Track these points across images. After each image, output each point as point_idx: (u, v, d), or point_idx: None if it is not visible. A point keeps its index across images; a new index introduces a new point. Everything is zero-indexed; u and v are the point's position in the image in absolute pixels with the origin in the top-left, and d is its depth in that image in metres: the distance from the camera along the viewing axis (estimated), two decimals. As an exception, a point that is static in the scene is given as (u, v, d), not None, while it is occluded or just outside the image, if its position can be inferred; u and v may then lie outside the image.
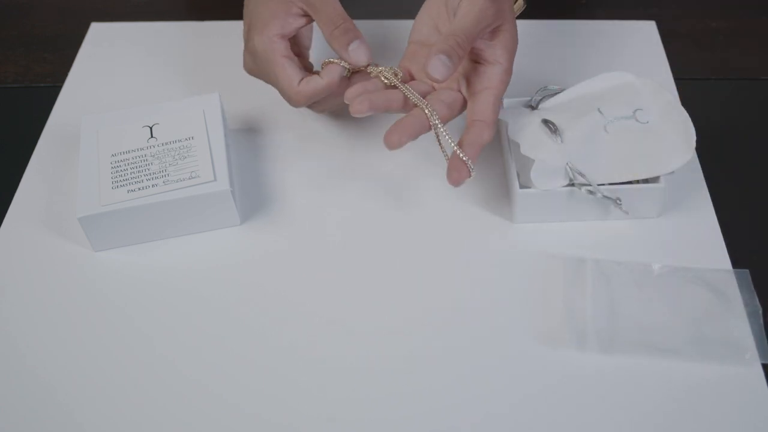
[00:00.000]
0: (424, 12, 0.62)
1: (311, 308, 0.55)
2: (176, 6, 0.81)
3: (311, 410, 0.50)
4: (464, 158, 0.54)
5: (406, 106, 0.57)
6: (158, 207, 0.57)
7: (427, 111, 0.56)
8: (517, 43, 0.57)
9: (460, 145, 0.55)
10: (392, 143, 0.54)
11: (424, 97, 0.57)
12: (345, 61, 0.58)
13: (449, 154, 0.55)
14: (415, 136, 0.55)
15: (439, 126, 0.56)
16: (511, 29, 0.57)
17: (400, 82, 0.58)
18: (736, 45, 0.75)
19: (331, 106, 0.62)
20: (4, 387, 0.52)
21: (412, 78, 0.60)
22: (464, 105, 0.58)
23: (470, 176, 0.55)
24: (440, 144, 0.57)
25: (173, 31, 0.77)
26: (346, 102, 0.55)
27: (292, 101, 0.59)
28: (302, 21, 0.59)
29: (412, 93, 0.57)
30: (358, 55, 0.57)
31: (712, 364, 0.52)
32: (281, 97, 0.61)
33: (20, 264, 0.59)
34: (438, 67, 0.54)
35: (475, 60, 0.57)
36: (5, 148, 0.68)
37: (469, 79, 0.58)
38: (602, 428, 0.49)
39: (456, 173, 0.55)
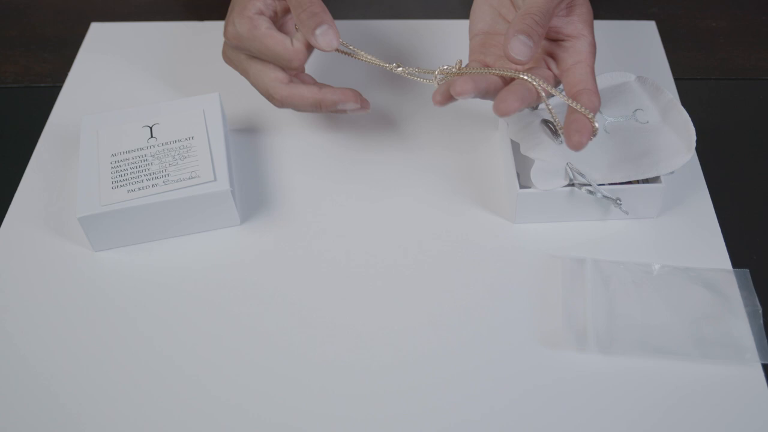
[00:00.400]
0: (482, 2, 0.60)
1: (311, 308, 0.55)
2: (176, 6, 0.81)
3: (312, 410, 0.50)
4: (587, 112, 0.51)
5: (501, 87, 0.54)
6: (158, 207, 0.57)
7: (530, 80, 0.52)
8: (592, 15, 0.56)
9: (572, 114, 0.52)
10: (504, 109, 0.51)
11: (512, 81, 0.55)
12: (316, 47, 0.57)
13: (561, 122, 0.53)
14: (525, 104, 0.52)
15: (551, 91, 0.53)
16: (585, 3, 0.56)
17: (486, 69, 0.54)
18: (736, 45, 0.75)
19: (308, 112, 0.61)
20: (4, 387, 0.52)
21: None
22: (556, 83, 0.57)
23: (594, 134, 0.52)
24: (550, 110, 0.54)
25: (173, 31, 0.77)
26: (433, 100, 0.53)
27: (293, 63, 0.57)
28: (279, 3, 0.59)
29: (508, 70, 0.54)
30: (325, 39, 0.56)
31: (712, 364, 0.52)
32: (270, 96, 0.60)
33: (20, 264, 0.59)
34: (519, 47, 0.51)
35: (556, 38, 0.56)
36: (5, 148, 0.68)
37: (556, 56, 0.56)
38: (602, 428, 0.49)
39: (577, 135, 0.51)
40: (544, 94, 0.53)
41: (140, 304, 0.56)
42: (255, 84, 0.61)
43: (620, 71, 0.62)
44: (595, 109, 0.53)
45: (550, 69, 0.57)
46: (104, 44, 0.75)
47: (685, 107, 0.59)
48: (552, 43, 0.57)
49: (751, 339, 0.52)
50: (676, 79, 0.70)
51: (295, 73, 0.61)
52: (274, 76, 0.59)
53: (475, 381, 0.51)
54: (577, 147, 0.51)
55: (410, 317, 0.55)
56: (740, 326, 0.53)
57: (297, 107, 0.60)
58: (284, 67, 0.59)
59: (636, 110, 0.59)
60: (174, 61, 0.73)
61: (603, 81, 0.61)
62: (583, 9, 0.56)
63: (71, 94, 0.71)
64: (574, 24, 0.56)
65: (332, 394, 0.51)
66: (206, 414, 0.50)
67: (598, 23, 0.75)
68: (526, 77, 0.53)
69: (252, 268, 0.58)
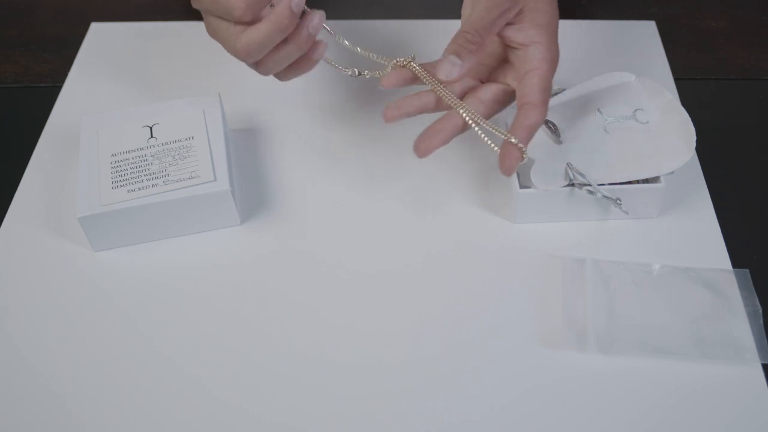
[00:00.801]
0: (467, 5, 0.58)
1: (311, 308, 0.55)
2: (176, 6, 0.81)
3: (312, 410, 0.50)
4: (514, 141, 0.53)
5: (440, 106, 0.56)
6: (158, 207, 0.57)
7: (462, 112, 0.54)
8: (555, 17, 0.55)
9: (511, 129, 0.54)
10: (420, 151, 0.54)
11: (465, 95, 0.56)
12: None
13: (497, 148, 0.54)
14: (446, 141, 0.54)
15: (479, 124, 0.54)
16: (540, 7, 0.55)
17: (435, 82, 0.55)
18: (736, 45, 0.75)
19: (277, 61, 0.55)
20: (4, 387, 0.52)
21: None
22: (511, 97, 0.57)
23: (523, 160, 0.53)
24: (488, 141, 0.55)
25: (173, 31, 0.77)
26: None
27: (235, 12, 0.52)
28: None
29: (447, 94, 0.55)
30: None
31: (712, 364, 0.52)
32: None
33: (20, 264, 0.59)
34: (448, 68, 0.53)
35: (512, 46, 0.56)
36: (5, 148, 0.68)
37: (513, 65, 0.56)
38: (602, 428, 0.49)
39: (507, 160, 0.53)
40: (479, 123, 0.54)
41: (140, 304, 0.56)
42: (224, 47, 0.55)
43: (620, 71, 0.62)
44: (531, 124, 0.53)
45: (506, 81, 0.57)
46: (104, 44, 0.75)
47: (685, 107, 0.59)
48: (509, 50, 0.56)
49: (751, 339, 0.52)
50: (676, 79, 0.70)
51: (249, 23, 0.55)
52: (232, 32, 0.54)
53: (475, 381, 0.51)
54: (506, 173, 0.53)
55: (410, 317, 0.55)
56: (740, 326, 0.53)
57: (264, 47, 0.53)
58: (234, 20, 0.53)
59: (636, 110, 0.59)
60: (174, 61, 0.73)
61: (603, 81, 0.61)
62: (537, 14, 0.55)
63: (71, 94, 0.71)
64: (525, 31, 0.55)
65: (332, 394, 0.51)
66: (206, 414, 0.50)
67: (598, 23, 0.76)
68: (460, 110, 0.54)
69: (252, 268, 0.58)
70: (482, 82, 0.58)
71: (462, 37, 0.53)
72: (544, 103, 0.54)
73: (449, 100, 0.55)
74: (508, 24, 0.55)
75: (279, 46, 0.54)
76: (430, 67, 0.55)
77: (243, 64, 0.74)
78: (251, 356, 0.53)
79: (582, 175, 0.56)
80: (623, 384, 0.51)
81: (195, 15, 0.78)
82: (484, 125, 0.54)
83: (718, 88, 0.71)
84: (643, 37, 0.74)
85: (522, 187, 0.58)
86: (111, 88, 0.71)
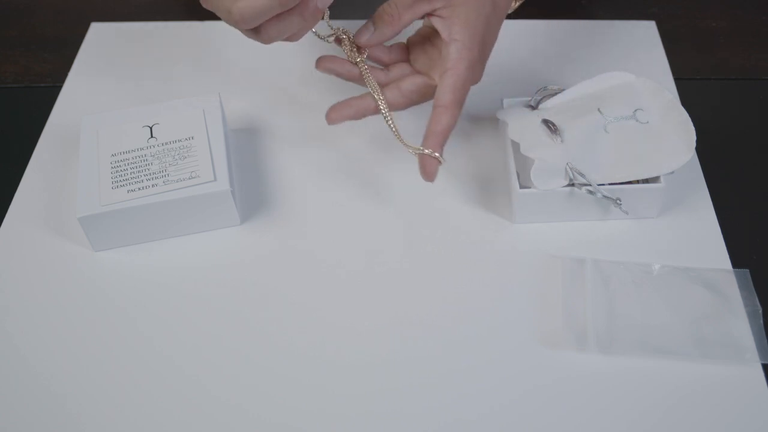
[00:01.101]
0: None
1: (311, 308, 0.55)
2: (176, 6, 0.81)
3: (312, 409, 0.51)
4: (428, 152, 0.55)
5: (362, 80, 0.59)
6: (158, 207, 0.57)
7: (376, 96, 0.58)
8: (488, 17, 0.56)
9: (425, 135, 0.56)
10: (330, 118, 0.58)
11: (393, 81, 0.59)
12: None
13: (403, 140, 0.57)
14: (356, 117, 0.58)
15: (386, 115, 0.57)
16: (471, 3, 0.55)
17: (364, 62, 0.59)
18: (736, 45, 0.75)
19: (279, 30, 0.52)
20: (4, 386, 0.52)
21: (407, 56, 0.61)
22: (434, 90, 0.57)
23: (440, 163, 0.55)
24: (395, 134, 0.58)
25: (173, 31, 0.77)
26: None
27: None
28: None
29: (369, 78, 0.59)
30: None
31: (712, 364, 0.52)
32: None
33: (20, 264, 0.59)
34: (362, 33, 0.57)
35: (441, 39, 0.56)
36: (5, 148, 0.68)
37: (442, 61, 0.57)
38: (602, 428, 0.49)
39: (427, 168, 0.55)
40: (386, 115, 0.58)
41: (140, 304, 0.56)
42: (218, 12, 0.52)
43: (620, 71, 0.62)
44: (442, 129, 0.55)
45: (434, 75, 0.58)
46: (104, 44, 0.75)
47: (685, 107, 0.59)
48: (443, 44, 0.57)
49: (751, 339, 0.52)
50: (676, 79, 0.70)
51: None
52: None
53: (475, 381, 0.51)
54: (428, 179, 0.56)
55: (410, 317, 0.55)
56: (740, 326, 0.53)
57: (260, 16, 0.50)
58: None
59: (636, 110, 0.59)
60: (174, 61, 0.73)
61: (603, 81, 0.61)
62: (464, 10, 0.55)
63: (71, 94, 0.71)
64: (450, 27, 0.55)
65: (332, 394, 0.51)
66: (206, 414, 0.50)
67: (598, 23, 0.76)
68: (375, 96, 0.58)
69: (252, 268, 0.58)
70: (419, 72, 0.59)
71: (382, 9, 0.56)
72: (456, 104, 0.55)
73: (368, 82, 0.58)
74: (437, 16, 0.56)
75: (282, 15, 0.51)
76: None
77: (243, 64, 0.74)
78: (251, 356, 0.53)
79: (582, 175, 0.56)
80: (623, 384, 0.51)
81: (195, 15, 0.78)
82: (389, 119, 0.57)
83: (718, 88, 0.71)
84: (643, 37, 0.74)
85: (522, 187, 0.58)
86: (111, 88, 0.71)
